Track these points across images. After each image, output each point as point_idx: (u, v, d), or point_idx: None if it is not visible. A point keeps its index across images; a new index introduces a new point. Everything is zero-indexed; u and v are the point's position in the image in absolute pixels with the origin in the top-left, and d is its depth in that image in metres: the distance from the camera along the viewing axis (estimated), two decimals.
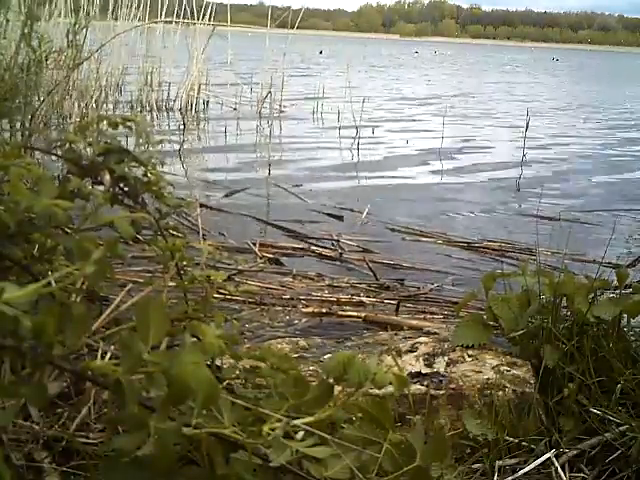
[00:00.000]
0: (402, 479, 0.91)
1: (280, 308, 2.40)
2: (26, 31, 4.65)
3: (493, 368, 1.56)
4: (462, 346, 1.64)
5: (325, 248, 3.29)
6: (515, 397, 1.50)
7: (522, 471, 1.36)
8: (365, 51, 37.86)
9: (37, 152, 3.17)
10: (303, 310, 2.40)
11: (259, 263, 2.95)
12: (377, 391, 0.92)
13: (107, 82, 7.44)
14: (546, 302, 1.66)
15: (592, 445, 1.44)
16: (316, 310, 2.40)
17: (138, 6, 7.75)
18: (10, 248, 0.91)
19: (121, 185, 1.07)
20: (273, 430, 0.80)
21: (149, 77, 8.13)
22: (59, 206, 0.86)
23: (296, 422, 0.83)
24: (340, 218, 3.96)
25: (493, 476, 1.36)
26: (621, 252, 2.18)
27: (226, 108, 8.85)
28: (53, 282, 0.74)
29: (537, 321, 1.65)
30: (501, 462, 1.39)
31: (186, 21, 7.90)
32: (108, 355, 0.84)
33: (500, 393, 1.50)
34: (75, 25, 5.39)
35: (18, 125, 5.12)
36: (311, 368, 1.55)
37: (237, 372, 1.00)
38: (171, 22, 7.88)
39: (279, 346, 1.73)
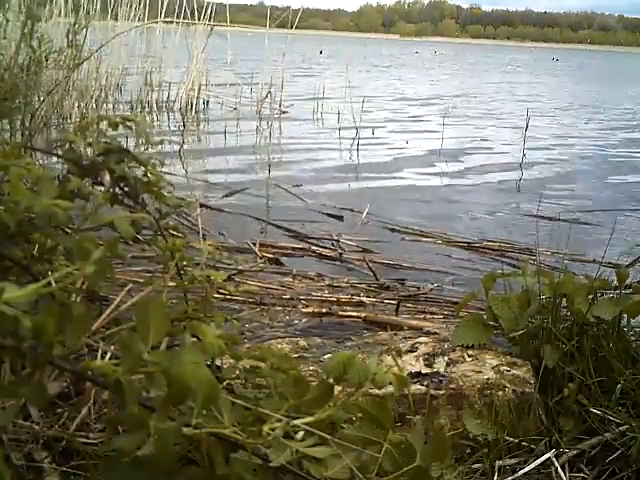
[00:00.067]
0: (402, 479, 0.91)
1: (280, 308, 2.40)
2: (26, 31, 4.65)
3: (493, 368, 1.56)
4: (462, 346, 1.64)
5: (325, 248, 3.29)
6: (515, 397, 1.50)
7: (522, 471, 1.36)
8: (365, 51, 37.87)
9: (37, 152, 3.17)
10: (303, 310, 2.40)
11: (259, 263, 2.95)
12: (377, 391, 0.92)
13: (107, 82, 7.44)
14: (546, 302, 1.66)
15: (592, 445, 1.44)
16: (316, 310, 2.40)
17: (138, 6, 7.74)
18: (10, 248, 0.91)
19: (121, 185, 1.07)
20: (273, 430, 0.80)
21: (149, 77, 8.12)
22: (59, 206, 0.86)
23: (296, 422, 0.83)
24: (340, 218, 3.97)
25: (493, 476, 1.36)
26: (621, 252, 2.18)
27: (226, 108, 8.85)
28: (53, 282, 0.74)
29: (537, 321, 1.65)
30: (501, 462, 1.39)
31: (186, 21, 7.90)
32: (108, 355, 0.84)
33: (500, 393, 1.50)
34: (75, 25, 5.40)
35: (18, 125, 5.13)
36: (311, 368, 1.55)
37: (237, 372, 1.00)
38: (171, 22, 7.88)
39: (279, 346, 1.73)
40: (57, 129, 6.02)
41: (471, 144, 7.39)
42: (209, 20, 8.05)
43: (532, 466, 1.37)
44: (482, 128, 8.76)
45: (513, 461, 1.41)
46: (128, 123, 1.09)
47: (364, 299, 2.55)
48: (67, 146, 1.05)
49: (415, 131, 8.19)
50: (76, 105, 6.57)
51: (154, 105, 8.16)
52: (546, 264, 2.97)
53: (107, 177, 1.04)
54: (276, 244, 3.26)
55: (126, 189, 1.07)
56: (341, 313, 2.37)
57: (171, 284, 1.12)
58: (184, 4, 7.93)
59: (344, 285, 2.74)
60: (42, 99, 5.59)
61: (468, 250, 3.44)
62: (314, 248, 3.27)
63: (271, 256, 3.09)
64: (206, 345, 0.84)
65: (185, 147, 6.35)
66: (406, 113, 10.08)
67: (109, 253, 0.82)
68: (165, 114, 8.19)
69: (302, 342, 1.78)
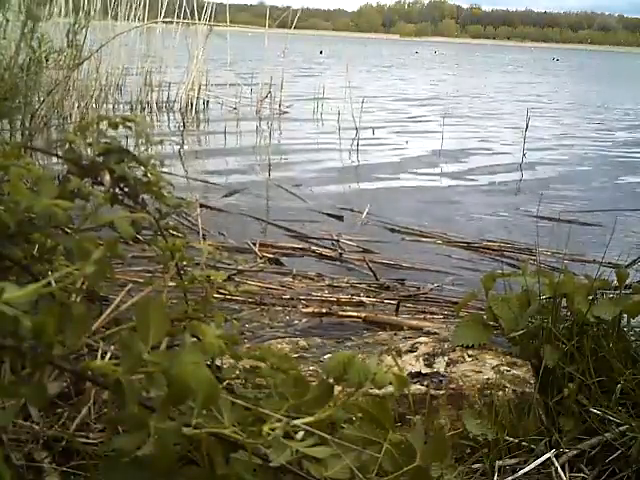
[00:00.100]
0: (402, 479, 0.91)
1: (280, 308, 2.40)
2: (26, 31, 4.65)
3: (493, 368, 1.56)
4: (462, 346, 1.64)
5: (325, 248, 3.29)
6: (515, 397, 1.50)
7: (522, 471, 1.36)
8: (365, 51, 37.89)
9: (37, 152, 3.17)
10: (303, 310, 2.40)
11: (259, 263, 2.95)
12: (377, 391, 0.92)
13: (107, 82, 7.44)
14: (546, 302, 1.66)
15: (592, 445, 1.44)
16: (316, 310, 2.40)
17: (138, 6, 7.74)
18: (10, 248, 0.91)
19: (121, 185, 1.07)
20: (273, 430, 0.80)
21: (149, 77, 8.12)
22: (59, 206, 0.86)
23: (296, 422, 0.83)
24: (340, 218, 3.97)
25: (493, 476, 1.36)
26: (621, 252, 2.18)
27: (226, 108, 8.85)
28: (53, 282, 0.74)
29: (537, 321, 1.65)
30: (501, 462, 1.39)
31: (186, 21, 7.90)
32: (108, 355, 0.84)
33: (500, 393, 1.50)
34: (75, 25, 5.40)
35: (18, 125, 5.13)
36: (311, 368, 1.55)
37: (237, 372, 1.00)
38: (171, 22, 7.88)
39: (279, 346, 1.73)
40: (57, 129, 6.01)
41: (471, 144, 7.39)
42: (209, 20, 8.04)
43: (532, 466, 1.37)
44: (482, 128, 8.76)
45: (513, 461, 1.41)
46: (128, 123, 1.09)
47: (364, 299, 2.55)
48: (67, 146, 1.05)
49: (415, 131, 8.19)
50: (76, 105, 6.57)
51: (154, 105, 8.16)
52: (546, 264, 2.97)
53: (107, 177, 1.04)
54: (276, 244, 3.26)
55: (126, 189, 1.07)
56: (341, 313, 2.37)
57: (171, 284, 1.12)
58: (184, 4, 7.93)
59: (344, 285, 2.74)
60: (42, 99, 5.59)
61: (468, 250, 3.44)
62: (314, 248, 3.27)
63: (271, 256, 3.09)
64: (206, 345, 0.84)
65: (185, 147, 6.35)
66: (406, 113, 10.08)
67: (109, 253, 0.82)
68: (165, 114, 8.19)
69: (302, 342, 1.78)
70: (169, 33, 8.32)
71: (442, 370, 1.55)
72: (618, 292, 1.69)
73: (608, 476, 1.39)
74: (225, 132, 7.19)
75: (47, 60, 5.14)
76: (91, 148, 1.05)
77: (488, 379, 1.52)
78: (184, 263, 1.13)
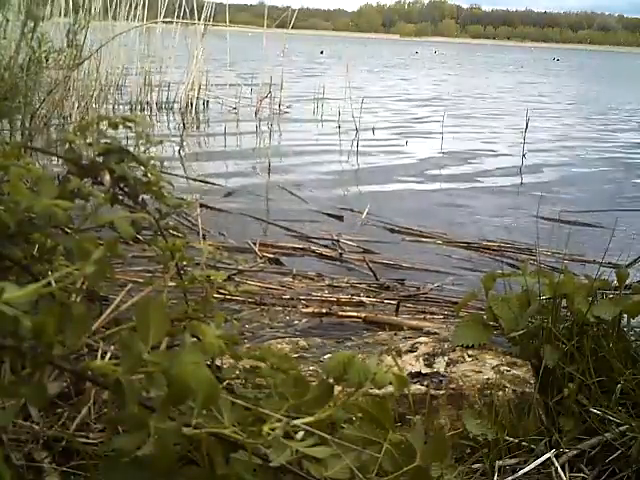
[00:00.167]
0: (402, 479, 0.91)
1: (280, 308, 2.40)
2: (26, 31, 4.65)
3: (493, 368, 1.56)
4: (462, 346, 1.64)
5: (326, 248, 3.29)
6: (515, 397, 1.50)
7: (522, 471, 1.36)
8: (366, 51, 37.88)
9: (37, 152, 3.17)
10: (303, 310, 2.40)
11: (259, 263, 2.95)
12: (377, 391, 0.92)
13: (107, 82, 7.44)
14: (546, 302, 1.66)
15: (592, 445, 1.44)
16: (316, 310, 2.40)
17: (137, 6, 7.74)
18: (10, 248, 0.91)
19: (121, 185, 1.07)
20: (273, 430, 0.80)
21: (149, 77, 8.13)
22: (59, 206, 0.86)
23: (296, 422, 0.83)
24: (340, 218, 3.97)
25: (493, 476, 1.36)
26: (621, 252, 2.18)
27: (226, 109, 8.85)
28: (53, 282, 0.74)
29: (537, 321, 1.65)
30: (501, 462, 1.39)
31: (185, 21, 7.90)
32: (108, 355, 0.84)
33: (500, 393, 1.50)
34: (75, 25, 5.40)
35: (18, 125, 5.13)
36: (311, 368, 1.55)
37: (237, 372, 1.00)
38: (171, 22, 7.88)
39: (279, 346, 1.73)
40: (57, 129, 6.01)
41: (473, 145, 7.38)
42: (208, 20, 8.04)
43: (532, 466, 1.37)
44: (483, 128, 8.76)
45: (513, 461, 1.41)
46: (128, 123, 1.09)
47: (364, 299, 2.55)
48: (67, 146, 1.05)
49: (416, 131, 8.19)
50: (76, 105, 6.57)
51: (154, 105, 8.16)
52: (546, 264, 2.98)
53: (107, 177, 1.04)
54: (276, 244, 3.26)
55: (126, 189, 1.07)
56: (341, 313, 2.37)
57: (171, 284, 1.12)
58: (183, 4, 7.93)
59: (344, 285, 2.74)
60: (42, 99, 5.59)
61: (468, 250, 3.44)
62: (314, 248, 3.27)
63: (271, 256, 3.09)
64: (206, 345, 0.84)
65: (185, 148, 6.35)
66: (407, 113, 10.08)
67: (109, 253, 0.82)
68: (165, 114, 8.19)
69: (302, 342, 1.78)
70: (169, 33, 8.32)
71: (442, 370, 1.55)
72: (618, 292, 1.69)
73: (608, 476, 1.39)
74: (225, 132, 7.19)
75: (47, 60, 5.14)
76: (91, 148, 1.05)
77: (488, 379, 1.52)
78: (184, 263, 1.13)
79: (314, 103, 9.49)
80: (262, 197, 4.45)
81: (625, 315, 1.65)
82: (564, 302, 1.67)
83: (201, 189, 4.48)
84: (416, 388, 1.50)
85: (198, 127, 7.84)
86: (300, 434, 0.83)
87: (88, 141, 1.05)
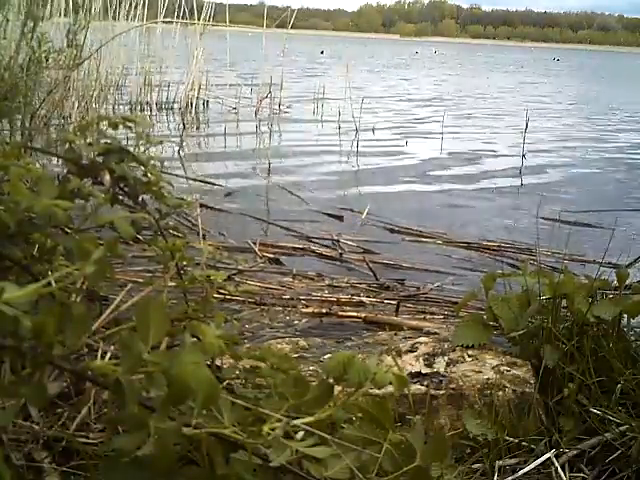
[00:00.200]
0: (402, 479, 0.91)
1: (280, 308, 2.40)
2: (26, 31, 4.65)
3: (493, 368, 1.56)
4: (462, 346, 1.64)
5: (326, 247, 3.29)
6: (515, 397, 1.50)
7: (522, 471, 1.36)
8: (366, 51, 37.88)
9: (37, 152, 3.17)
10: (303, 310, 2.40)
11: (259, 263, 2.95)
12: (377, 391, 0.92)
13: (107, 82, 7.44)
14: (546, 302, 1.66)
15: (592, 445, 1.44)
16: (316, 310, 2.40)
17: (137, 6, 7.74)
18: (10, 248, 0.91)
19: (121, 185, 1.07)
20: (273, 430, 0.80)
21: (149, 77, 8.13)
22: (59, 206, 0.86)
23: (296, 422, 0.83)
24: (340, 218, 3.97)
25: (493, 476, 1.36)
26: (621, 252, 2.18)
27: (226, 109, 8.85)
28: (53, 282, 0.74)
29: (537, 321, 1.65)
30: (501, 462, 1.39)
31: (185, 21, 7.90)
32: (108, 355, 0.84)
33: (500, 393, 1.50)
34: (75, 25, 5.40)
35: (18, 125, 5.13)
36: (311, 368, 1.55)
37: (237, 372, 1.00)
38: (171, 22, 7.88)
39: (279, 346, 1.73)
40: (57, 129, 6.01)
41: (473, 145, 7.38)
42: (208, 20, 8.04)
43: (532, 466, 1.37)
44: (484, 128, 8.76)
45: (513, 461, 1.41)
46: (128, 123, 1.09)
47: (364, 299, 2.55)
48: (67, 146, 1.05)
49: (416, 131, 8.19)
50: (76, 105, 6.57)
51: (154, 105, 8.16)
52: (546, 264, 2.98)
53: (107, 177, 1.04)
54: (276, 244, 3.26)
55: (126, 189, 1.07)
56: (341, 313, 2.37)
57: (171, 284, 1.12)
58: (182, 4, 7.93)
59: (344, 285, 2.74)
60: (42, 99, 5.59)
61: (468, 250, 3.44)
62: (314, 248, 3.27)
63: (271, 256, 3.09)
64: (206, 345, 0.84)
65: (184, 148, 6.35)
66: (407, 113, 10.07)
67: (109, 253, 0.82)
68: (165, 114, 8.19)
69: (302, 342, 1.78)
70: (169, 33, 8.33)
71: (442, 370, 1.55)
72: (618, 292, 1.69)
73: (608, 476, 1.40)
74: (225, 132, 7.19)
75: (47, 60, 5.14)
76: (91, 148, 1.05)
77: (488, 379, 1.52)
78: (184, 263, 1.13)
79: (314, 103, 9.49)
80: (262, 197, 4.45)
81: (625, 315, 1.65)
82: (564, 302, 1.67)
83: (201, 189, 4.48)
84: (416, 388, 1.50)
85: (198, 127, 7.84)
86: (300, 434, 0.83)
87: (88, 141, 1.05)
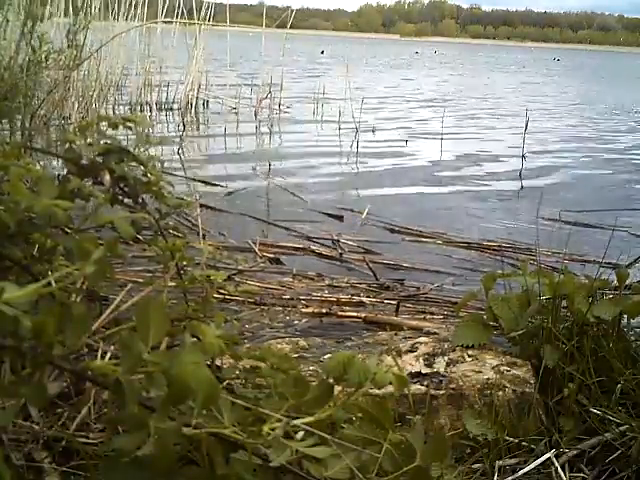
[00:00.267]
0: (402, 479, 0.91)
1: (280, 308, 2.40)
2: (26, 31, 4.66)
3: (493, 368, 1.56)
4: (462, 346, 1.64)
5: (326, 247, 3.29)
6: (515, 397, 1.50)
7: (522, 471, 1.36)
8: (366, 51, 37.87)
9: (37, 152, 3.17)
10: (303, 310, 2.40)
11: (259, 263, 2.95)
12: (377, 391, 0.92)
13: (107, 82, 7.43)
14: (546, 302, 1.66)
15: (592, 445, 1.44)
16: (316, 310, 2.40)
17: (137, 6, 7.74)
18: (10, 248, 0.91)
19: (121, 185, 1.07)
20: (273, 430, 0.80)
21: (149, 77, 8.12)
22: (59, 206, 0.86)
23: (296, 422, 0.83)
24: (340, 218, 3.96)
25: (493, 476, 1.36)
26: (621, 252, 2.18)
27: (226, 109, 8.85)
28: (53, 282, 0.74)
29: (537, 321, 1.65)
30: (501, 462, 1.39)
31: (185, 21, 7.90)
32: (108, 355, 0.84)
33: (500, 393, 1.50)
34: (75, 25, 5.40)
35: (18, 125, 5.13)
36: (311, 368, 1.55)
37: (237, 372, 1.00)
38: (171, 22, 7.88)
39: (279, 346, 1.73)
40: (57, 129, 6.01)
41: (473, 145, 7.38)
42: (208, 20, 8.04)
43: (532, 466, 1.37)
44: (485, 129, 8.75)
45: (513, 461, 1.41)
46: (128, 123, 1.09)
47: (364, 299, 2.55)
48: (67, 146, 1.05)
49: (417, 132, 8.18)
50: (76, 105, 6.57)
51: (154, 106, 8.16)
52: (546, 264, 2.98)
53: (107, 177, 1.04)
54: (276, 244, 3.26)
55: (126, 189, 1.07)
56: (341, 313, 2.37)
57: (171, 284, 1.12)
58: (182, 4, 7.92)
59: (344, 285, 2.74)
60: (42, 99, 5.59)
61: (468, 250, 3.44)
62: (314, 248, 3.27)
63: (271, 256, 3.09)
64: (206, 345, 0.84)
65: (184, 148, 6.35)
66: (408, 113, 10.07)
67: (109, 253, 0.82)
68: (165, 114, 8.19)
69: (302, 342, 1.78)
70: (169, 33, 8.32)
71: (442, 370, 1.55)
72: (618, 292, 1.69)
73: (608, 476, 1.39)
74: (225, 132, 7.19)
75: (47, 60, 5.15)
76: (91, 148, 1.05)
77: (488, 379, 1.52)
78: (184, 263, 1.13)
79: (314, 103, 9.49)
80: (262, 197, 4.45)
81: (625, 315, 1.65)
82: (564, 302, 1.67)
83: (201, 189, 4.48)
84: (416, 388, 1.50)
85: (198, 127, 7.83)
86: (300, 434, 0.83)
87: (88, 141, 1.05)
